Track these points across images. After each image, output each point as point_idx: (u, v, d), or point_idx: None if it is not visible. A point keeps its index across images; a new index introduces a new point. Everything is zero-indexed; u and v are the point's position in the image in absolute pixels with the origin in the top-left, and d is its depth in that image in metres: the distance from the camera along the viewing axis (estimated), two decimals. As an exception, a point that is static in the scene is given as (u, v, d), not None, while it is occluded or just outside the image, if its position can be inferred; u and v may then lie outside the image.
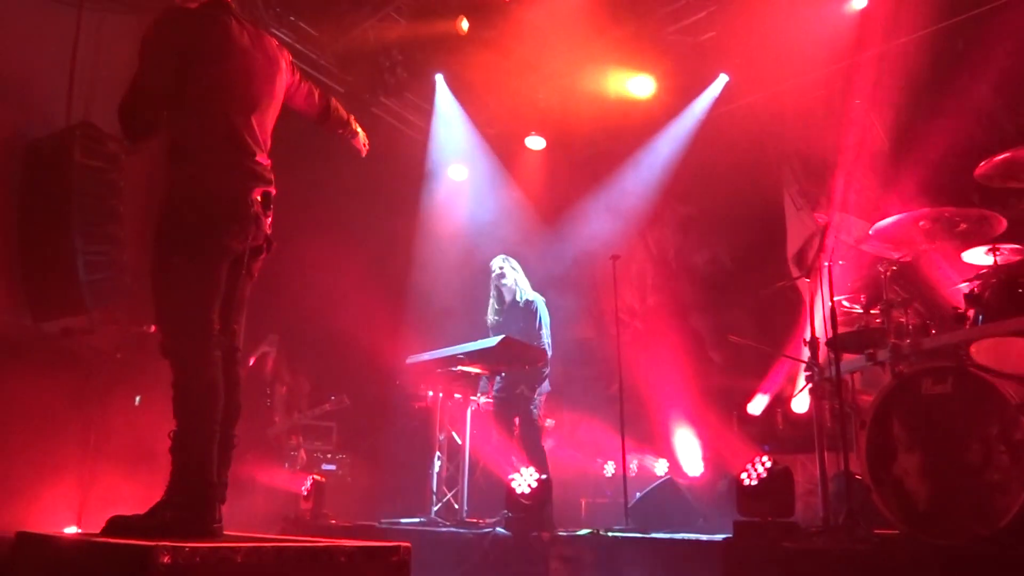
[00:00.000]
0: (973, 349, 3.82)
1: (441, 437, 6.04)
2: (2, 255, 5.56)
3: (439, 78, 8.27)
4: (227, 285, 3.05)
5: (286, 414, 6.95)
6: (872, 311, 4.71)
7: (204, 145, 3.02)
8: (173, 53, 2.97)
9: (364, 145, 3.90)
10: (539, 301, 6.29)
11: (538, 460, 5.69)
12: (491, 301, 6.41)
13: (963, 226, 4.29)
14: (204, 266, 2.96)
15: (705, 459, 7.08)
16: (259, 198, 3.08)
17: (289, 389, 7.11)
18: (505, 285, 6.30)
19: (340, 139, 3.86)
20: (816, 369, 4.68)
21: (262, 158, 3.15)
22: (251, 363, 6.63)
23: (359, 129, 3.86)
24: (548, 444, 6.72)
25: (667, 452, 7.37)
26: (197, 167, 3.00)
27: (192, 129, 3.02)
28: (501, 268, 6.33)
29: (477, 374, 5.95)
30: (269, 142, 3.23)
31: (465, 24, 7.03)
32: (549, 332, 6.21)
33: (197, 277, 2.95)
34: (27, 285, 5.52)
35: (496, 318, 6.34)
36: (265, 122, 3.21)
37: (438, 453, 5.96)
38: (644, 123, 8.15)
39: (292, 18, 7.35)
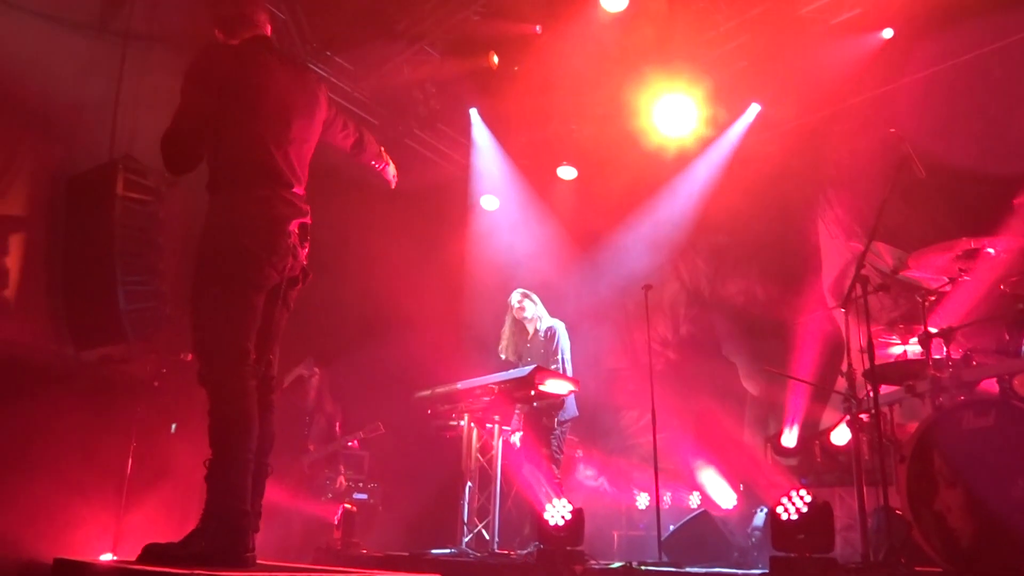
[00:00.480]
0: (1017, 382, 3.73)
1: (472, 467, 6.02)
2: (47, 285, 5.70)
3: (473, 112, 8.38)
4: (264, 315, 3.10)
5: (321, 443, 6.98)
6: (911, 342, 4.63)
7: (243, 177, 3.08)
8: (216, 88, 3.05)
9: (393, 177, 3.97)
10: (559, 327, 6.30)
11: (559, 493, 5.64)
12: (505, 336, 6.43)
13: (1003, 256, 4.22)
14: (242, 296, 3.01)
15: (739, 491, 6.96)
16: (296, 229, 3.14)
17: (327, 419, 7.14)
18: (527, 319, 6.34)
19: (371, 171, 3.94)
20: (854, 401, 4.60)
21: (299, 190, 3.21)
22: (284, 386, 6.68)
23: (390, 161, 3.93)
24: (584, 474, 6.66)
25: (700, 484, 7.26)
26: (236, 199, 3.06)
27: (231, 161, 3.09)
28: (520, 303, 6.36)
29: (509, 404, 5.93)
30: (307, 174, 3.30)
31: (496, 59, 7.14)
32: (568, 357, 6.20)
33: (235, 307, 3.00)
34: (69, 314, 5.65)
35: (515, 353, 6.37)
36: (303, 154, 3.28)
37: (469, 483, 5.94)
38: (677, 152, 8.15)
39: (328, 53, 7.50)
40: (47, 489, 4.98)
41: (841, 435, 5.73)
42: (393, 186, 3.99)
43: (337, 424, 7.17)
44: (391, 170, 3.94)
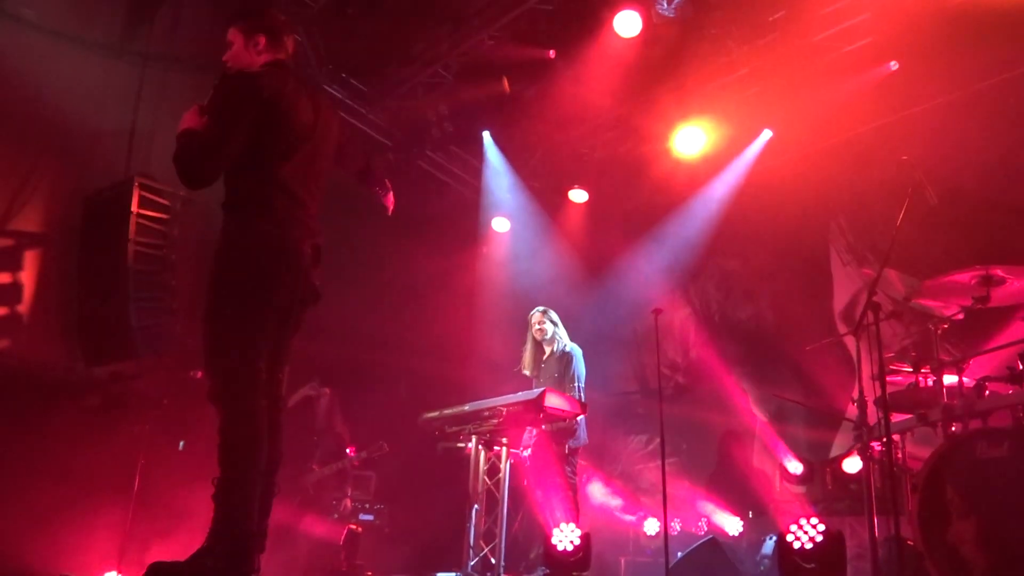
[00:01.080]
0: (1030, 411, 3.69)
1: (479, 489, 5.98)
2: (60, 301, 5.75)
3: (486, 135, 8.44)
4: (274, 335, 3.11)
5: (327, 463, 6.95)
6: (923, 369, 4.60)
7: (261, 198, 3.10)
8: (254, 113, 3.05)
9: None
10: (576, 351, 6.28)
11: (570, 517, 5.60)
12: (527, 352, 6.42)
13: (1015, 284, 4.19)
14: (255, 315, 3.02)
15: (748, 518, 6.89)
16: (309, 250, 3.16)
17: (336, 439, 7.12)
18: (545, 338, 6.31)
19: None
20: (865, 428, 4.56)
21: (313, 211, 3.23)
22: (289, 405, 6.66)
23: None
24: (601, 496, 6.60)
25: (709, 510, 7.20)
26: (253, 218, 3.08)
27: (250, 182, 3.10)
28: (540, 322, 6.35)
29: (518, 426, 5.91)
30: (321, 196, 3.32)
31: (507, 85, 7.22)
32: (583, 385, 6.17)
33: (248, 326, 3.01)
34: (81, 330, 5.69)
35: (534, 370, 6.34)
36: (319, 177, 3.29)
37: (476, 505, 5.90)
38: (688, 176, 8.17)
39: (344, 75, 7.59)
40: (54, 505, 4.99)
41: (853, 463, 5.68)
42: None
43: (346, 444, 7.14)
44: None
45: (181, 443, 5.75)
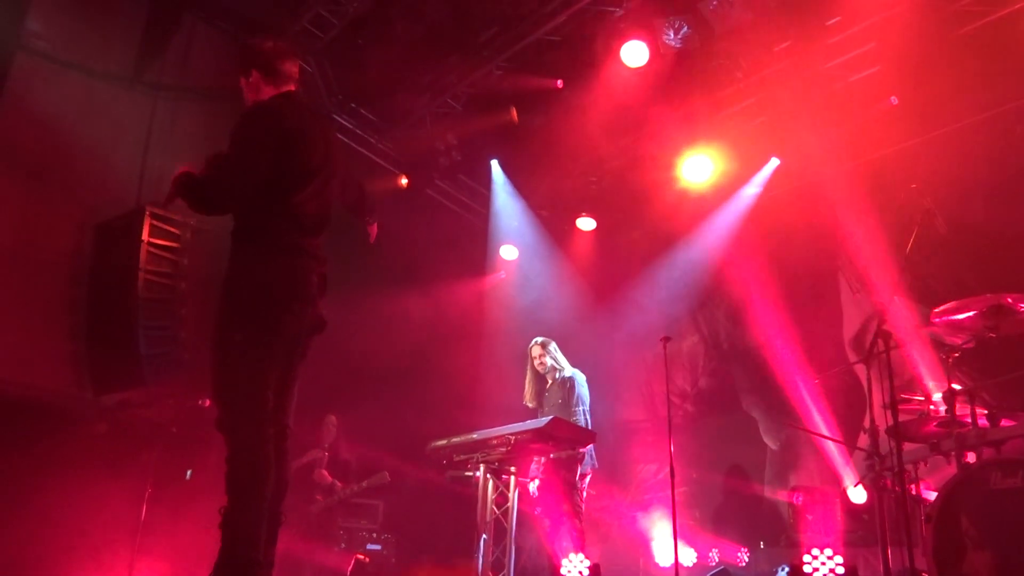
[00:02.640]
0: (1044, 441, 3.65)
1: (488, 519, 5.93)
2: (70, 329, 5.77)
3: (494, 163, 8.49)
4: (281, 363, 3.11)
5: (328, 492, 6.87)
6: (935, 399, 4.55)
7: (272, 228, 3.11)
8: (271, 143, 3.07)
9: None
10: (578, 376, 6.25)
11: (578, 547, 5.54)
12: (528, 384, 6.39)
13: (1027, 313, 4.16)
14: (263, 344, 3.03)
15: (759, 548, 6.81)
16: (316, 279, 3.17)
17: (343, 467, 7.06)
18: (546, 370, 6.30)
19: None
20: (877, 458, 4.51)
21: (320, 241, 3.25)
22: (294, 467, 6.52)
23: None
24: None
25: (719, 538, 7.12)
26: (263, 248, 3.09)
27: (261, 212, 3.11)
28: (541, 355, 6.33)
29: (526, 455, 5.87)
30: (328, 225, 3.33)
31: (516, 115, 7.29)
32: (587, 408, 6.14)
33: (256, 354, 3.01)
34: (90, 358, 5.70)
35: (535, 401, 6.33)
36: (326, 207, 3.31)
37: (484, 535, 5.84)
38: (696, 205, 8.19)
39: (353, 105, 7.66)
40: (60, 534, 4.97)
41: (859, 494, 5.61)
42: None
43: (352, 472, 7.08)
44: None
45: (189, 472, 5.73)
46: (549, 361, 6.30)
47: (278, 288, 3.06)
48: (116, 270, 5.62)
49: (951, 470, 4.11)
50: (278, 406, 3.11)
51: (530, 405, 6.38)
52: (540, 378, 6.37)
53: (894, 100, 6.56)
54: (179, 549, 5.03)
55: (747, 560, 6.63)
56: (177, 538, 5.16)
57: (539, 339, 6.44)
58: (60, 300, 5.79)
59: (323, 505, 6.81)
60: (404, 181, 8.11)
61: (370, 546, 7.00)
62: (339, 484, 6.74)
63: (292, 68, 3.39)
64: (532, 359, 6.38)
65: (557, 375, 6.28)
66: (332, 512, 6.86)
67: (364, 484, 6.78)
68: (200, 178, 3.03)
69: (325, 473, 6.76)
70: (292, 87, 3.37)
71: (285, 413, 3.17)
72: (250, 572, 2.81)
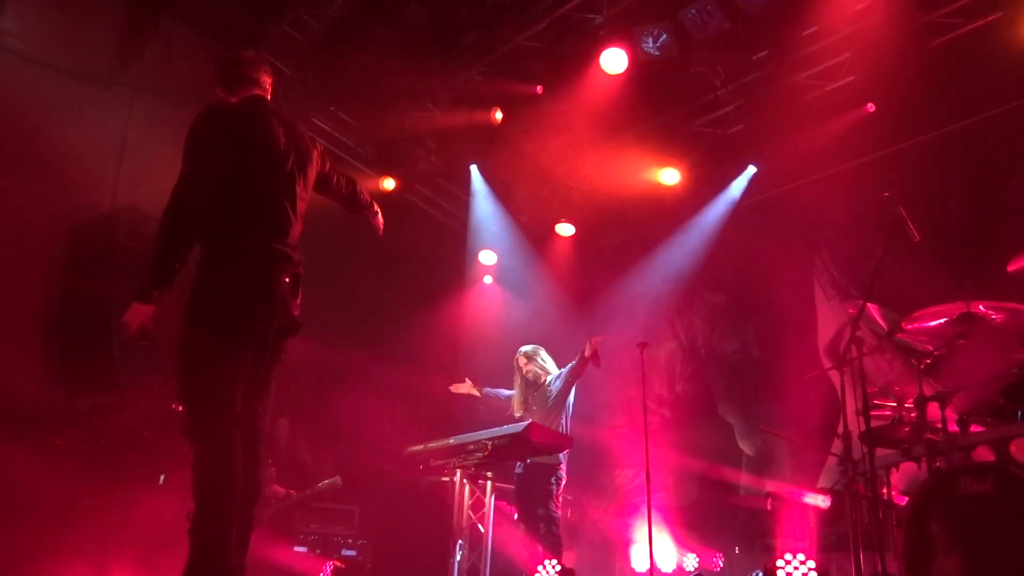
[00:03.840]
0: (1014, 447, 3.71)
1: (464, 524, 5.92)
2: (44, 332, 5.69)
3: (473, 168, 8.49)
4: (252, 366, 3.08)
5: (284, 502, 6.69)
6: (907, 405, 4.61)
7: (238, 229, 3.10)
8: (224, 147, 3.08)
9: (381, 224, 4.01)
10: (561, 379, 6.24)
11: (554, 553, 5.53)
12: (516, 394, 6.36)
13: (997, 320, 4.23)
14: (230, 346, 3.00)
15: (734, 553, 6.85)
16: (288, 280, 3.14)
17: (300, 470, 6.93)
18: (531, 372, 6.28)
19: (363, 220, 4.01)
20: (850, 463, 4.55)
21: (293, 241, 3.23)
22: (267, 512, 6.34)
23: (379, 211, 4.00)
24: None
25: (696, 544, 7.15)
26: (232, 248, 3.07)
27: (227, 213, 3.09)
28: (524, 363, 6.32)
29: (503, 460, 5.86)
30: (301, 227, 3.32)
31: (499, 115, 7.29)
32: (569, 415, 6.14)
33: (222, 357, 2.99)
34: (64, 361, 5.63)
35: (522, 409, 6.30)
36: (298, 208, 3.30)
37: (460, 541, 5.83)
38: (674, 212, 8.24)
39: (332, 108, 7.64)
40: (29, 539, 4.90)
41: (823, 500, 5.67)
42: (380, 233, 4.04)
43: (310, 475, 6.92)
44: (380, 219, 4.01)
45: (162, 477, 5.67)
46: (534, 364, 6.29)
47: (243, 292, 3.03)
48: (90, 272, 5.56)
49: (923, 475, 4.16)
50: (249, 410, 3.08)
51: (517, 415, 6.34)
52: (529, 386, 6.33)
53: (871, 107, 6.65)
54: (151, 555, 4.98)
55: (722, 565, 6.66)
56: (149, 543, 5.10)
57: (526, 348, 6.40)
58: (34, 301, 5.71)
59: (276, 510, 6.57)
60: (391, 184, 8.03)
61: (345, 552, 6.95)
62: (293, 492, 6.57)
63: (262, 77, 3.40)
64: (519, 369, 6.35)
65: (546, 379, 6.26)
66: (291, 516, 6.68)
67: (317, 487, 6.60)
68: (160, 227, 2.99)
69: (277, 488, 6.54)
70: (259, 91, 3.36)
71: (257, 417, 3.14)
72: (219, 576, 2.78)
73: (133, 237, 5.57)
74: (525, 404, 6.31)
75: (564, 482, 6.07)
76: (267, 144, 3.19)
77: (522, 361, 6.34)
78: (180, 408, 3.03)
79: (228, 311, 3.01)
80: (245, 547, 2.98)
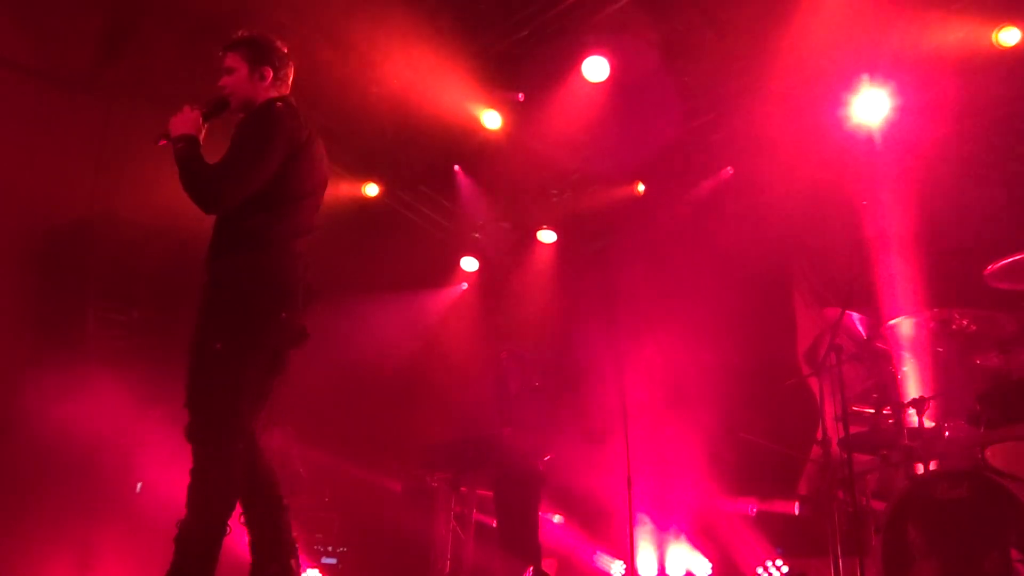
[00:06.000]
0: (989, 452, 3.75)
1: (446, 532, 5.90)
2: (18, 335, 5.62)
3: (456, 171, 8.47)
4: (262, 376, 3.01)
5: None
6: (884, 411, 4.65)
7: (272, 237, 3.00)
8: (284, 146, 2.99)
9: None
10: (544, 390, 6.26)
11: (532, 557, 5.52)
12: (500, 400, 6.36)
13: (972, 327, 4.28)
14: (247, 355, 2.90)
15: (715, 558, 6.86)
16: (303, 288, 3.08)
17: (292, 478, 6.91)
18: (512, 376, 6.28)
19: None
20: (829, 470, 4.58)
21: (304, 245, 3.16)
22: None
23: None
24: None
25: (676, 549, 7.16)
26: (262, 257, 2.97)
27: (268, 217, 2.99)
28: (506, 363, 6.32)
29: (484, 466, 5.85)
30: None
31: (485, 121, 7.30)
32: (549, 420, 6.14)
33: (238, 366, 2.88)
34: (37, 365, 5.56)
35: (504, 413, 6.30)
36: (317, 214, 3.23)
37: (440, 549, 5.81)
38: (654, 219, 8.26)
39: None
40: (2, 548, 4.83)
41: (798, 506, 5.72)
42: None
43: (304, 485, 6.91)
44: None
45: (139, 484, 5.61)
46: (515, 368, 6.29)
47: (269, 300, 2.94)
48: (67, 278, 5.51)
49: (900, 481, 4.19)
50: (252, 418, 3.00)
51: (501, 421, 6.32)
52: (510, 392, 6.32)
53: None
54: (127, 563, 4.91)
55: (712, 570, 6.66)
56: (125, 552, 5.04)
57: (509, 353, 6.41)
58: (6, 310, 5.64)
59: None
60: (375, 189, 8.00)
61: (325, 559, 6.90)
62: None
63: (291, 75, 3.34)
64: (501, 368, 6.35)
65: (523, 386, 6.27)
66: None
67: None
68: (210, 166, 2.89)
69: None
70: (287, 92, 3.31)
71: (260, 426, 3.06)
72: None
73: (111, 243, 5.53)
74: (509, 410, 6.31)
75: (543, 487, 6.06)
76: (316, 162, 3.14)
77: (504, 358, 6.34)
78: (187, 412, 2.90)
79: (248, 316, 2.90)
80: (293, 549, 2.99)
